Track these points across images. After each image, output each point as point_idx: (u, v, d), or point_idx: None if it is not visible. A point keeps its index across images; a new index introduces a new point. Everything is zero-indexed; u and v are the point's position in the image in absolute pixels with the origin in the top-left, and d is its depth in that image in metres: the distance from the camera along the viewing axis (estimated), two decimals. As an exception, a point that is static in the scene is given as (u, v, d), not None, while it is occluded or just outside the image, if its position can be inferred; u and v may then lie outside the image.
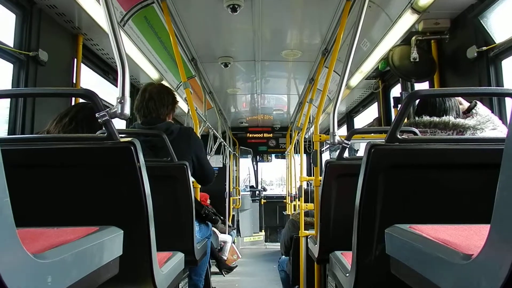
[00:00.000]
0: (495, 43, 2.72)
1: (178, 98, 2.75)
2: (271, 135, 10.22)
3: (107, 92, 4.30)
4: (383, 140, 1.46)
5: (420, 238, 0.97)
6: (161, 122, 2.53)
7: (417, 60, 3.32)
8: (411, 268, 0.99)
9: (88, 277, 0.95)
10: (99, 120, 1.32)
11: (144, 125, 2.51)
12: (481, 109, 1.99)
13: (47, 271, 0.76)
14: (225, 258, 6.65)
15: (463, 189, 1.47)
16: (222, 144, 7.40)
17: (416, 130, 1.86)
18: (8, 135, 2.70)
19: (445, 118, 1.88)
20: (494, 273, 0.62)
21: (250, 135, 10.18)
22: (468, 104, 2.07)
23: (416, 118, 1.97)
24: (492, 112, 2.08)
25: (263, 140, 10.25)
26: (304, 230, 3.68)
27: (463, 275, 0.74)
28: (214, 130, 6.05)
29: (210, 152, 6.02)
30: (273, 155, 10.72)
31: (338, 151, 2.42)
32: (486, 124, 1.88)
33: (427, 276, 0.88)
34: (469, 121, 1.88)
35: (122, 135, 2.13)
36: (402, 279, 1.09)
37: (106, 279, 1.09)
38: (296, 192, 7.06)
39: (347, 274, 1.68)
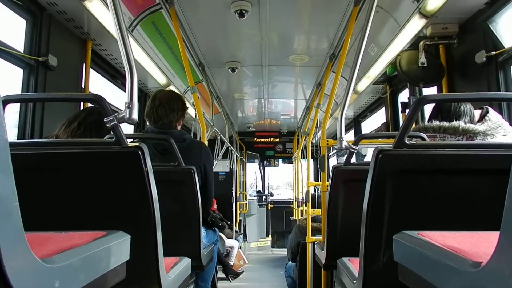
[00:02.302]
0: (504, 47, 2.70)
1: (187, 104, 2.77)
2: (278, 140, 10.21)
3: (116, 97, 4.34)
4: (391, 146, 1.45)
5: (428, 245, 0.96)
6: (172, 128, 2.56)
7: (425, 65, 3.30)
8: (419, 275, 0.97)
9: (95, 282, 0.95)
10: (107, 125, 1.33)
11: (158, 129, 2.55)
12: (493, 115, 1.96)
13: (55, 276, 0.77)
14: (232, 264, 6.63)
15: (472, 195, 1.45)
16: (229, 148, 7.41)
17: (424, 135, 1.85)
18: (17, 139, 2.72)
19: (454, 123, 1.86)
20: (503, 281, 0.61)
21: (257, 140, 10.18)
22: (479, 111, 2.05)
23: (426, 123, 1.96)
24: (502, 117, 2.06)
25: (270, 144, 10.25)
26: (311, 235, 3.66)
27: (472, 283, 0.73)
28: (221, 135, 6.06)
29: (217, 156, 6.03)
30: (280, 160, 10.70)
31: (345, 156, 2.41)
32: (497, 130, 1.85)
33: (435, 284, 0.87)
34: (479, 127, 1.86)
35: (130, 140, 2.15)
36: (410, 286, 1.08)
37: (113, 283, 1.09)
38: (303, 197, 7.04)
39: (355, 281, 1.66)
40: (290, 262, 4.69)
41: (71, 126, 1.99)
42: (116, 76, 4.25)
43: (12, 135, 2.76)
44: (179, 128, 2.67)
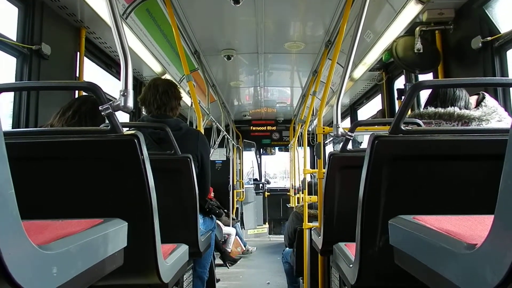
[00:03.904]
0: (500, 33, 2.69)
1: (181, 91, 2.78)
2: (274, 128, 10.22)
3: (111, 85, 4.31)
4: (387, 132, 1.45)
5: (423, 228, 0.97)
6: (170, 116, 2.58)
7: (421, 51, 3.29)
8: (415, 258, 0.99)
9: (93, 268, 0.96)
10: (102, 113, 1.32)
11: (154, 118, 2.54)
12: (489, 101, 1.97)
13: (52, 262, 0.77)
14: (229, 251, 6.69)
15: (468, 180, 1.46)
16: (226, 137, 7.41)
17: (420, 122, 1.85)
18: (12, 128, 2.71)
19: (450, 109, 1.87)
20: (498, 263, 0.62)
21: (254, 128, 10.18)
22: (476, 97, 2.05)
23: (421, 109, 1.96)
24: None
25: (267, 133, 10.25)
26: (308, 222, 3.69)
27: (467, 265, 0.74)
28: (217, 123, 6.05)
29: (214, 145, 6.03)
30: (276, 148, 10.72)
31: (341, 143, 2.41)
32: (492, 115, 1.86)
33: (430, 266, 0.88)
34: (474, 112, 1.87)
35: (126, 128, 2.14)
36: (406, 269, 1.09)
37: (111, 270, 1.10)
38: (299, 184, 7.08)
39: (351, 265, 1.68)
40: (287, 248, 4.72)
41: (65, 115, 1.98)
42: (110, 64, 4.21)
43: (6, 125, 2.75)
44: (175, 117, 2.67)
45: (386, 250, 1.26)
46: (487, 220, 0.97)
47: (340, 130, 2.28)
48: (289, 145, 9.21)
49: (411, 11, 3.11)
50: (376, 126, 3.12)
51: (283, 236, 6.38)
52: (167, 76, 4.86)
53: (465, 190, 1.47)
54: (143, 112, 2.66)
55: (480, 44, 2.81)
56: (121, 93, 1.41)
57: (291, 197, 8.14)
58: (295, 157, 7.50)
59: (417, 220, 1.04)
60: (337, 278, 2.43)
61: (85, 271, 0.91)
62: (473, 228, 0.92)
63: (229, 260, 6.50)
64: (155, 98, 2.58)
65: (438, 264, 0.85)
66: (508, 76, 2.76)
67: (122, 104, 1.39)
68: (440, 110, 1.89)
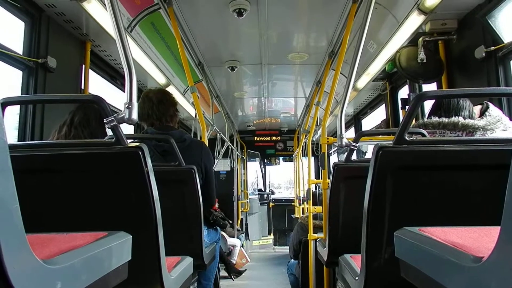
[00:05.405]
0: (503, 43, 2.69)
1: (185, 102, 2.79)
2: (278, 138, 10.22)
3: (116, 97, 4.34)
4: (391, 142, 1.45)
5: (429, 240, 0.96)
6: (172, 127, 2.59)
7: (425, 61, 3.29)
8: (421, 271, 0.98)
9: (97, 283, 0.95)
10: (106, 125, 1.33)
11: (158, 130, 2.54)
12: (493, 111, 1.96)
13: (56, 277, 0.77)
14: (234, 262, 6.64)
15: (473, 190, 1.45)
16: (230, 147, 7.41)
17: (424, 132, 1.85)
18: (18, 141, 2.73)
19: (454, 119, 1.86)
20: (505, 276, 0.61)
21: (258, 138, 10.19)
22: (479, 107, 2.05)
23: (425, 119, 1.96)
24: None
25: (271, 143, 10.26)
26: (313, 233, 3.67)
27: (473, 278, 0.73)
28: (221, 134, 6.06)
29: (218, 156, 6.03)
30: (281, 158, 10.71)
31: (346, 153, 2.41)
32: (497, 125, 1.85)
33: (436, 279, 0.87)
34: (478, 122, 1.86)
35: (130, 140, 2.14)
36: (412, 282, 1.08)
37: (115, 284, 1.09)
38: (304, 195, 7.05)
39: (357, 278, 1.67)
40: (292, 259, 4.69)
41: (62, 131, 1.99)
42: (115, 76, 4.24)
43: (12, 137, 2.77)
44: (176, 126, 2.69)
45: (392, 262, 1.25)
46: (493, 232, 0.96)
47: (344, 141, 2.28)
48: (293, 155, 9.19)
49: (414, 21, 3.12)
50: (380, 136, 3.12)
51: (288, 247, 6.34)
52: (171, 88, 4.89)
53: (470, 200, 1.46)
54: (145, 126, 2.66)
55: (484, 54, 2.81)
56: (126, 105, 1.42)
57: (295, 207, 8.10)
58: (300, 167, 7.49)
59: (422, 232, 1.03)
60: (343, 290, 2.40)
61: (89, 285, 0.90)
62: (480, 240, 0.91)
63: (234, 272, 6.45)
64: (153, 109, 2.56)
65: (444, 277, 0.84)
66: (512, 86, 2.75)
67: (127, 116, 1.40)
68: (444, 120, 1.88)
